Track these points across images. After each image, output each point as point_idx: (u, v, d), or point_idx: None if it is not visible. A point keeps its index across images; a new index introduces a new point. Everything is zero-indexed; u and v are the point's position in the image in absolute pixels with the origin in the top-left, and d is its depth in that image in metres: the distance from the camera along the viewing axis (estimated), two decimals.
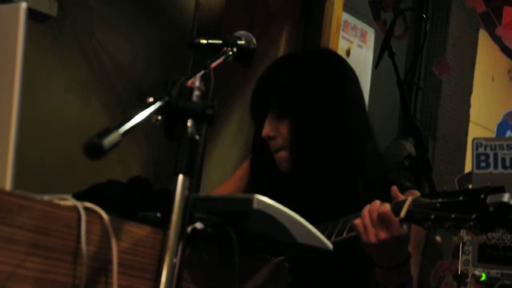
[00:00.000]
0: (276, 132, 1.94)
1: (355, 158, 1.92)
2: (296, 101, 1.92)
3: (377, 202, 1.68)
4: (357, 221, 1.69)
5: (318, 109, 1.92)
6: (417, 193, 1.83)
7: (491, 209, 1.50)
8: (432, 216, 1.58)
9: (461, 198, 1.56)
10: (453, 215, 1.55)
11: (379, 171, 1.95)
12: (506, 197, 1.50)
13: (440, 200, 1.59)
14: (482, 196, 1.52)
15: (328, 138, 1.91)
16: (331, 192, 1.89)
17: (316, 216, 1.70)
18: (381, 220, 1.65)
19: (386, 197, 1.72)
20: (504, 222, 1.53)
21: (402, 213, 1.64)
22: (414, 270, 1.81)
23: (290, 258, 1.60)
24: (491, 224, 1.53)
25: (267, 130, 1.94)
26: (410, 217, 1.63)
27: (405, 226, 1.66)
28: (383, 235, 1.65)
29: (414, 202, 1.64)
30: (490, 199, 1.51)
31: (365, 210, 1.69)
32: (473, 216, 1.52)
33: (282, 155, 1.95)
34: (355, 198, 1.88)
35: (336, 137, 1.92)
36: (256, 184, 2.01)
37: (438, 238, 1.69)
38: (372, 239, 1.66)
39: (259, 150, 2.02)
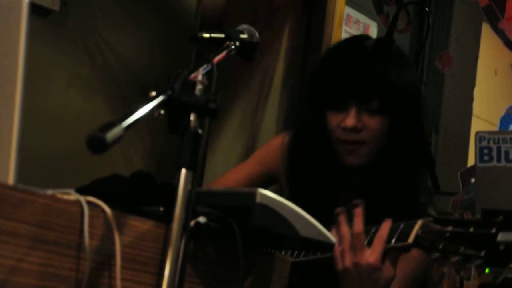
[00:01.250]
0: (362, 125, 1.91)
1: (420, 167, 2.03)
2: (401, 102, 1.93)
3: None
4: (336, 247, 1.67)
5: (417, 112, 1.99)
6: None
7: (501, 247, 1.44)
8: (440, 247, 1.53)
9: (471, 229, 1.49)
10: (461, 248, 1.50)
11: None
12: None
13: (450, 228, 1.53)
14: (493, 230, 1.46)
15: (417, 141, 1.99)
16: (398, 196, 1.90)
17: (376, 216, 1.69)
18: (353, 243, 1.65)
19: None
20: None
21: (410, 239, 1.60)
22: None
23: (295, 260, 1.60)
24: (500, 263, 1.46)
25: (354, 121, 1.89)
26: (418, 243, 1.60)
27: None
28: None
29: (424, 227, 1.59)
30: (501, 236, 1.45)
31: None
32: (482, 254, 1.47)
33: (362, 149, 1.92)
34: (415, 206, 1.91)
35: (420, 140, 2.02)
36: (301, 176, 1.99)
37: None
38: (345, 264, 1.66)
39: (314, 139, 1.97)
